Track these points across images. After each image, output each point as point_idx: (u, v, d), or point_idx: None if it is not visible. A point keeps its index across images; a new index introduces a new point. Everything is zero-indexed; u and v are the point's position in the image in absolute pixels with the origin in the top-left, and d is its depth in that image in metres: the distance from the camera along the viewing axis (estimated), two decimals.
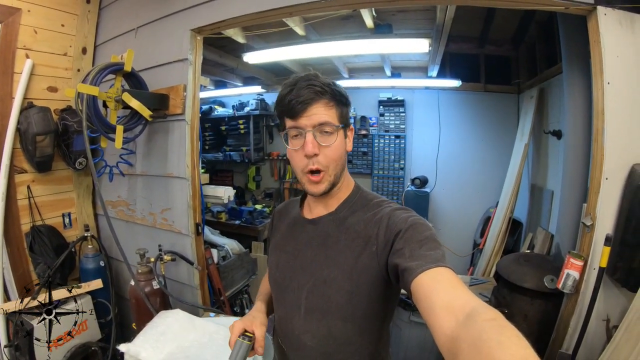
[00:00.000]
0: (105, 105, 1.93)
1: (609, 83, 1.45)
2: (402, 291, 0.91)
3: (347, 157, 0.96)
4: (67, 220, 2.61)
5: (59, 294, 2.09)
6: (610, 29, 1.43)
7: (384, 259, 0.84)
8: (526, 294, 1.92)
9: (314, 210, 1.01)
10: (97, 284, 2.32)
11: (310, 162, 0.88)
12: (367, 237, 0.88)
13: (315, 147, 0.87)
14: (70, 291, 2.05)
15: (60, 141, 2.39)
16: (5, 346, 1.88)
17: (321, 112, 0.87)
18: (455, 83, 3.86)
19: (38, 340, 1.80)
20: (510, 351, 0.45)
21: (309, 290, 0.94)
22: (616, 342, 1.40)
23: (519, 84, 3.79)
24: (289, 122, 0.89)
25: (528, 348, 0.46)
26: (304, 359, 0.98)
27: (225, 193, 3.13)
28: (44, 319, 1.61)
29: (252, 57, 3.16)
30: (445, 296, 0.64)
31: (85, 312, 1.92)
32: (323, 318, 0.92)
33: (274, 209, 1.22)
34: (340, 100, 0.90)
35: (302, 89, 0.86)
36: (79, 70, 2.55)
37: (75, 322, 1.75)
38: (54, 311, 1.63)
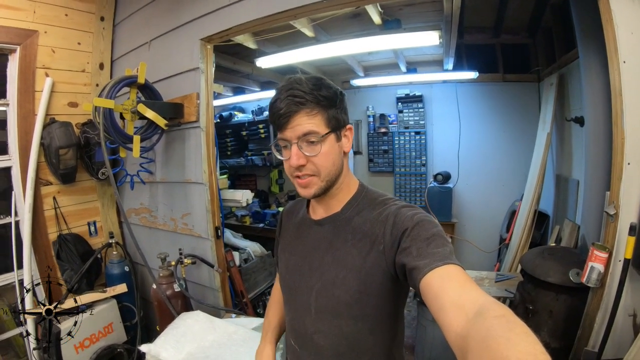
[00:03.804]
0: (122, 117, 2.01)
1: (624, 62, 1.37)
2: None
3: (342, 159, 0.93)
4: (92, 228, 2.72)
5: (85, 297, 2.19)
6: (622, 5, 1.36)
7: (391, 257, 0.83)
8: (551, 289, 1.84)
9: (317, 211, 1.01)
10: (121, 288, 2.42)
11: (297, 170, 0.88)
12: (374, 237, 0.87)
13: (300, 158, 0.85)
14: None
15: (83, 153, 2.51)
16: (34, 348, 1.98)
17: (304, 122, 0.84)
18: (471, 75, 3.75)
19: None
20: (518, 347, 0.45)
21: (317, 291, 0.94)
22: None
23: (539, 71, 3.64)
24: (278, 134, 0.89)
25: (537, 344, 0.45)
26: (316, 358, 0.98)
27: (243, 196, 3.17)
28: (44, 319, 1.70)
29: (265, 62, 3.18)
30: (454, 294, 0.63)
31: (85, 312, 2.01)
32: (334, 318, 0.92)
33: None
34: (325, 104, 0.87)
35: (283, 100, 0.84)
36: (97, 85, 2.65)
37: (75, 322, 1.83)
38: (53, 311, 1.71)
